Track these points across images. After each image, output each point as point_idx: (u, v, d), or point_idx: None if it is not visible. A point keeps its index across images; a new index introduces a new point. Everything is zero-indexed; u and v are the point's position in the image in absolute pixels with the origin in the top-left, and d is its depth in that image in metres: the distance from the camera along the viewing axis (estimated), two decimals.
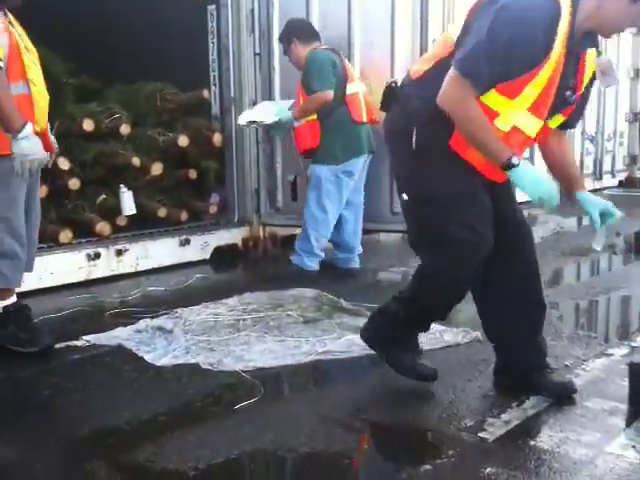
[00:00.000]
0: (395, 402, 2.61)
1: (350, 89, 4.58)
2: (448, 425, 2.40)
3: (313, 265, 4.67)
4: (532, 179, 2.30)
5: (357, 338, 3.29)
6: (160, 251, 4.89)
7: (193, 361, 3.03)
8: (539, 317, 2.63)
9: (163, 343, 3.28)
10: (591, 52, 2.38)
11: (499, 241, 2.43)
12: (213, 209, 5.53)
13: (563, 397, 2.57)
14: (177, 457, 2.19)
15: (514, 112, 2.31)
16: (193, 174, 5.47)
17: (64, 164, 4.69)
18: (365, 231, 5.04)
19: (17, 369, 3.01)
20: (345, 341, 3.28)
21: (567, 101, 2.42)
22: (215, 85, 5.60)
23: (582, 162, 9.92)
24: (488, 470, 2.08)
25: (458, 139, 2.35)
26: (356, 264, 4.82)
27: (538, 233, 6.50)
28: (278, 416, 2.50)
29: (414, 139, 2.37)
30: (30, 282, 4.19)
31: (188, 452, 2.22)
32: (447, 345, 3.23)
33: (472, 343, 3.25)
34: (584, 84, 2.45)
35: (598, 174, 10.32)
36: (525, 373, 2.61)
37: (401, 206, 2.63)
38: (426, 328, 2.77)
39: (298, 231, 5.71)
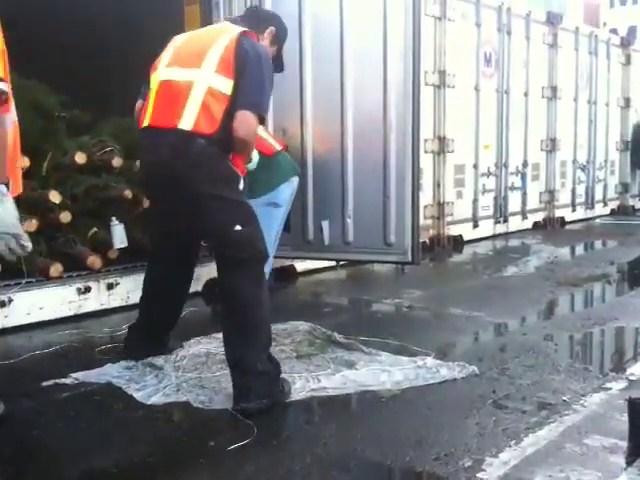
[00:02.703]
0: (391, 441, 2.55)
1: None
2: (446, 466, 2.34)
3: None
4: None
5: (352, 374, 3.29)
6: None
7: (184, 399, 2.97)
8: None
9: (153, 381, 3.20)
10: None
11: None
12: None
13: None
14: None
15: None
16: None
17: (55, 197, 4.64)
18: (359, 262, 5.02)
19: (5, 407, 2.93)
20: (340, 377, 3.23)
21: None
22: None
23: (574, 191, 9.98)
24: None
25: (239, 164, 3.00)
26: None
27: (532, 263, 6.50)
28: (271, 457, 2.44)
29: (241, 184, 3.01)
30: (19, 317, 4.17)
31: None
32: (444, 380, 3.18)
33: (469, 378, 3.20)
34: None
35: (590, 203, 10.32)
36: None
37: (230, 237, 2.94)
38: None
39: (289, 263, 5.71)
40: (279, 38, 3.29)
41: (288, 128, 5.32)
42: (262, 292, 2.96)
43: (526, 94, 8.73)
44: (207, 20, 5.65)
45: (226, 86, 2.87)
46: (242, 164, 3.07)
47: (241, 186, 2.98)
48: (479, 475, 2.26)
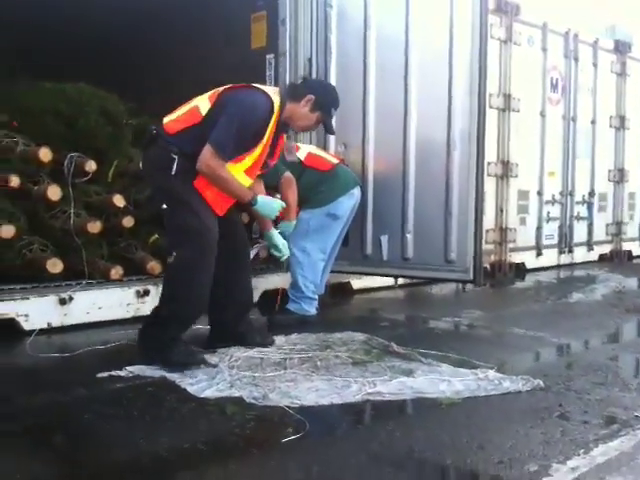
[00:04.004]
0: (451, 444, 2.43)
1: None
2: (509, 469, 2.21)
3: (312, 310, 4.56)
4: (266, 204, 3.52)
5: (409, 381, 3.17)
6: None
7: (237, 395, 2.92)
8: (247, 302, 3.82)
9: (207, 377, 3.17)
10: (285, 136, 3.74)
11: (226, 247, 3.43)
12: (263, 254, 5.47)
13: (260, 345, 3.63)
14: None
15: (237, 171, 3.39)
16: (245, 218, 5.43)
17: (119, 201, 4.72)
18: (418, 278, 4.91)
19: (60, 395, 2.94)
20: (397, 383, 3.12)
21: (267, 165, 3.62)
22: None
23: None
24: None
25: (200, 183, 3.34)
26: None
27: (599, 291, 6.26)
28: (324, 452, 2.35)
29: (174, 168, 3.30)
30: (78, 315, 4.21)
31: None
32: (507, 392, 3.03)
33: (533, 391, 3.05)
34: (279, 155, 3.71)
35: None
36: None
37: (164, 218, 3.50)
38: (187, 323, 3.44)
39: (345, 280, 5.64)
40: (321, 105, 3.58)
41: (350, 143, 5.31)
42: (180, 269, 3.35)
43: (593, 122, 8.50)
44: (274, 36, 5.75)
45: (205, 108, 3.35)
46: (218, 197, 3.41)
47: (173, 172, 3.32)
48: None
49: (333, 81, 5.31)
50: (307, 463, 2.23)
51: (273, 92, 3.48)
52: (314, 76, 5.46)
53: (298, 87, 3.69)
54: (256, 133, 3.36)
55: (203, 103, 3.38)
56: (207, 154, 3.27)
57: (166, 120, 3.47)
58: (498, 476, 2.17)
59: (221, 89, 3.43)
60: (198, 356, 3.38)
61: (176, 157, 3.31)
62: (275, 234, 4.04)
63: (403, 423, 2.67)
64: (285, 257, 4.11)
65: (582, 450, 2.35)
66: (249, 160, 3.43)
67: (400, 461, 2.29)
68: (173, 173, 3.32)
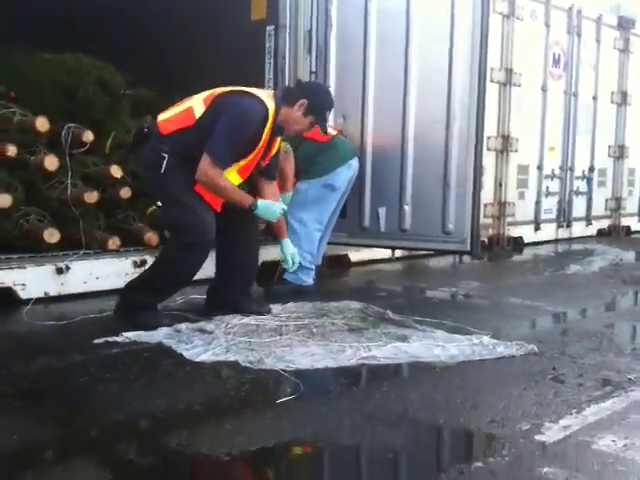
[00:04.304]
0: (444, 405, 2.44)
1: None
2: (502, 428, 2.22)
3: (309, 280, 4.57)
4: (266, 208, 3.56)
5: (404, 346, 3.19)
6: (206, 262, 4.82)
7: (233, 359, 2.93)
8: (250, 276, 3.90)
9: (203, 342, 3.18)
10: (279, 138, 3.70)
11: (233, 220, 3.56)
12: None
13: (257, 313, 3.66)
14: (211, 443, 2.08)
15: (229, 173, 3.48)
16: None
17: (117, 172, 4.70)
18: (415, 249, 4.91)
19: (56, 360, 2.95)
20: (392, 348, 3.13)
21: (260, 165, 3.64)
22: None
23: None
24: (546, 470, 1.90)
25: (200, 188, 3.42)
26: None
27: (596, 263, 6.26)
28: (319, 412, 2.37)
29: (163, 166, 3.38)
30: (75, 285, 4.22)
31: (223, 439, 2.10)
32: (501, 356, 3.05)
33: (527, 356, 3.06)
34: (272, 155, 3.69)
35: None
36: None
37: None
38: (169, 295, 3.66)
39: (343, 252, 5.64)
40: (314, 109, 3.59)
41: (349, 115, 5.28)
42: (173, 257, 3.50)
43: (595, 98, 8.45)
44: (274, 8, 5.70)
45: (199, 111, 3.40)
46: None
47: (163, 170, 3.40)
48: (537, 437, 2.13)
49: (333, 53, 5.29)
50: (301, 422, 2.25)
51: (267, 96, 3.51)
52: (314, 48, 5.43)
53: (292, 91, 3.69)
54: (252, 140, 3.43)
55: (198, 105, 3.43)
56: (205, 164, 3.34)
57: (160, 118, 3.52)
58: (491, 434, 2.19)
59: (217, 92, 3.45)
60: (165, 320, 3.49)
61: (166, 155, 3.37)
62: (285, 244, 4.01)
63: (397, 385, 2.69)
64: (293, 268, 4.07)
65: (574, 410, 2.37)
66: (243, 162, 3.50)
67: (394, 420, 2.30)
68: (162, 171, 3.39)
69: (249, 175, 3.65)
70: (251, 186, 3.87)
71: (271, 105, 3.46)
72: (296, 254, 4.02)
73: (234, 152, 3.40)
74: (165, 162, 3.38)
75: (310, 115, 3.60)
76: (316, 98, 3.63)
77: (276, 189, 3.89)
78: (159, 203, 3.62)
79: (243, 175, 3.58)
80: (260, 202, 3.54)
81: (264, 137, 3.46)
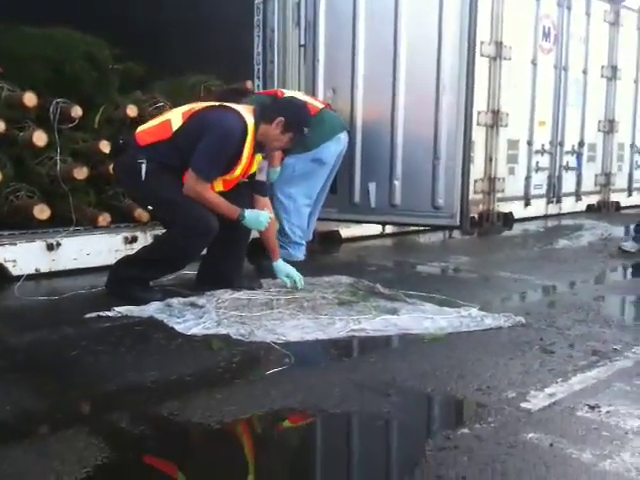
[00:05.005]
0: (432, 374, 2.48)
1: None
2: (488, 396, 2.26)
3: (299, 255, 4.58)
4: (253, 217, 3.59)
5: (394, 319, 3.22)
6: None
7: (224, 332, 2.96)
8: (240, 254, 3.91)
9: (194, 316, 3.21)
10: (258, 155, 3.69)
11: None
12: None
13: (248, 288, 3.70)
14: (202, 412, 2.11)
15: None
16: None
17: (106, 147, 4.69)
18: (405, 225, 4.93)
19: (48, 333, 2.98)
20: (381, 320, 3.17)
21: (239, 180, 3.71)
22: (259, 78, 5.59)
23: (631, 175, 9.57)
24: (531, 435, 1.94)
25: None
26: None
27: (585, 238, 6.31)
28: (308, 381, 2.40)
29: (143, 173, 3.48)
30: (66, 261, 4.22)
31: (214, 408, 2.13)
32: (488, 328, 3.09)
33: (515, 327, 3.10)
34: (251, 171, 3.71)
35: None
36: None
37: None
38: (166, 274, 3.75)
39: (334, 228, 5.66)
40: (291, 126, 3.62)
41: (338, 88, 5.26)
42: (178, 242, 3.52)
43: (585, 72, 8.45)
44: None
45: (177, 124, 3.50)
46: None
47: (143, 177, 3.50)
48: (523, 405, 2.17)
49: (322, 26, 5.27)
50: (291, 392, 2.28)
51: (247, 111, 3.57)
52: (302, 21, 5.40)
53: (268, 108, 3.71)
54: (233, 155, 3.51)
55: (176, 119, 3.54)
56: (191, 181, 3.46)
57: (139, 130, 3.66)
58: (477, 402, 2.23)
59: (196, 108, 3.56)
60: (157, 294, 3.54)
61: (144, 161, 3.48)
62: (277, 267, 3.83)
63: (386, 356, 2.72)
64: (290, 285, 3.77)
65: (560, 379, 2.41)
66: (228, 176, 3.60)
67: (382, 389, 2.34)
68: (143, 178, 3.50)
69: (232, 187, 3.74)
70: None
71: (250, 120, 3.54)
72: (292, 273, 3.79)
73: (218, 168, 3.51)
74: (144, 168, 3.48)
75: (288, 132, 3.64)
76: (293, 115, 3.66)
77: (267, 202, 3.90)
78: (150, 208, 3.73)
79: (227, 187, 3.65)
80: (247, 212, 3.58)
81: (247, 151, 3.54)
